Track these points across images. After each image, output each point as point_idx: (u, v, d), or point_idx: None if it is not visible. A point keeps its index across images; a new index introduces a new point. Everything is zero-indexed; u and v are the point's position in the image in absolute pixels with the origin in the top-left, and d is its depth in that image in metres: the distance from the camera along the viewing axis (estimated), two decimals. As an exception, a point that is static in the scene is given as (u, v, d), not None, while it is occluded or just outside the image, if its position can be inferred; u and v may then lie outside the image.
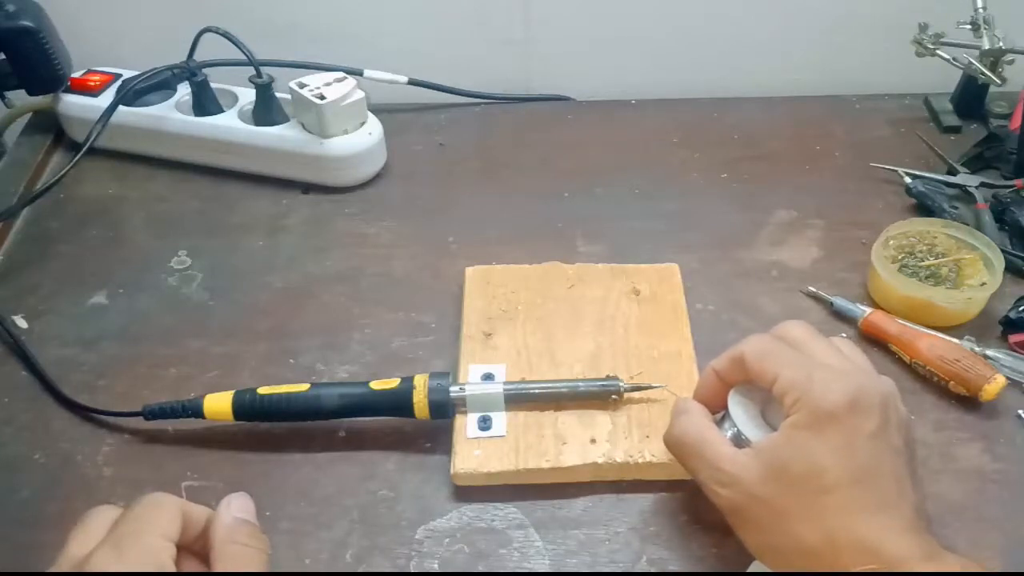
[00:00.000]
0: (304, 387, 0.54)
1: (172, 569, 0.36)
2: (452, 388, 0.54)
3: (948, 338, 0.59)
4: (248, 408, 0.53)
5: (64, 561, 0.37)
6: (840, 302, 0.64)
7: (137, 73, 0.77)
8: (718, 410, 0.49)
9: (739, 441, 0.46)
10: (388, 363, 0.61)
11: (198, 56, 0.74)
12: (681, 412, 0.48)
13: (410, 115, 0.85)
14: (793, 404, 0.42)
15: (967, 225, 0.66)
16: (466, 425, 0.53)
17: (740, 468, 0.43)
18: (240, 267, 0.69)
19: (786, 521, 0.42)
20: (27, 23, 0.71)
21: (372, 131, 0.75)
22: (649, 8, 0.84)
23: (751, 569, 0.47)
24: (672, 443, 0.48)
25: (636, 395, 0.55)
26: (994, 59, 0.75)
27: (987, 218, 0.69)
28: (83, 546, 0.37)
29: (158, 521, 0.37)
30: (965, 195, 0.72)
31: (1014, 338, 0.61)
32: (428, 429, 0.55)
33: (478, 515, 0.51)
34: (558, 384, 0.55)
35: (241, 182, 0.77)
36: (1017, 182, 0.71)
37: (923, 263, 0.64)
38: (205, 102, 0.76)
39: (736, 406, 0.47)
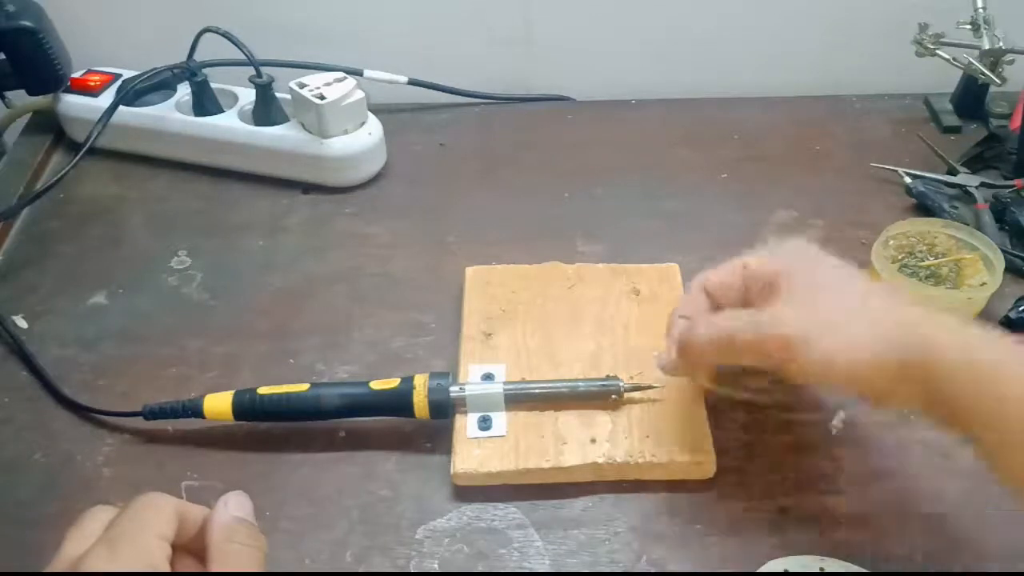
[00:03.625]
0: (304, 387, 0.54)
1: (166, 569, 0.36)
2: (452, 388, 0.54)
3: (948, 338, 0.59)
4: (248, 408, 0.53)
5: (59, 561, 0.37)
6: (840, 302, 0.63)
7: (137, 73, 0.77)
8: None
9: None
10: (388, 363, 0.60)
11: (198, 56, 0.75)
12: (696, 325, 0.49)
13: (410, 115, 0.85)
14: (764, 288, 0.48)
15: (967, 225, 0.66)
16: (466, 425, 0.53)
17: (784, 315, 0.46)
18: (240, 267, 0.69)
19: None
20: (27, 23, 0.71)
21: (372, 131, 0.75)
22: (649, 8, 0.84)
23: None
24: (713, 348, 0.48)
25: (636, 395, 0.55)
26: (994, 59, 0.75)
27: (987, 218, 0.69)
28: (78, 546, 0.37)
29: (153, 521, 0.37)
30: (965, 195, 0.72)
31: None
32: (428, 429, 0.55)
33: (478, 515, 0.51)
34: (558, 384, 0.55)
35: (241, 182, 0.77)
36: (1017, 182, 0.71)
37: (923, 263, 0.64)
38: (205, 102, 0.76)
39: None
